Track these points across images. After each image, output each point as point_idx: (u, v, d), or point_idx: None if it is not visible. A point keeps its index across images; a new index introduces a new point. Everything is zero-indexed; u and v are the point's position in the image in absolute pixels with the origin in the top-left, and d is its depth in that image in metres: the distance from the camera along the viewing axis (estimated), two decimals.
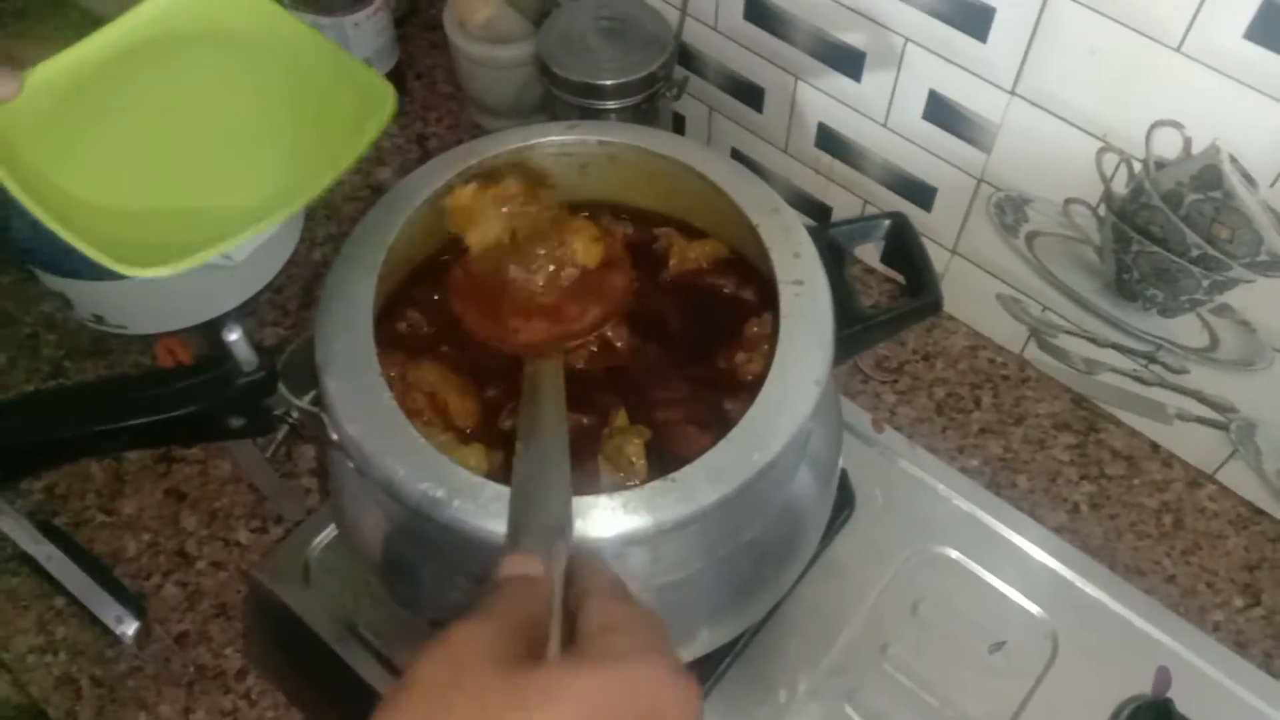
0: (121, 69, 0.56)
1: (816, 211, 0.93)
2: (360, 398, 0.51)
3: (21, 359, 0.90)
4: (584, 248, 0.62)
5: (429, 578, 0.58)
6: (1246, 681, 0.70)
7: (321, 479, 0.82)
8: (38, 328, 0.92)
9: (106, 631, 0.75)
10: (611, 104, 0.83)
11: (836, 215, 0.92)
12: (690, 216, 0.65)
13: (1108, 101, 0.67)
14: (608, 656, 0.37)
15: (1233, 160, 0.64)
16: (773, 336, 0.54)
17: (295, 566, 0.73)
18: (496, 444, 0.56)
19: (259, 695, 0.73)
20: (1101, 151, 0.70)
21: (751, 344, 0.58)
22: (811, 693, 0.69)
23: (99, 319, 0.87)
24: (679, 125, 0.98)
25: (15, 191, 0.50)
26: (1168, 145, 0.66)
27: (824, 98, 0.83)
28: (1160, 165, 0.67)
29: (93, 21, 0.58)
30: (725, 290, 0.63)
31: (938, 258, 0.86)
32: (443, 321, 0.62)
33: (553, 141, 0.63)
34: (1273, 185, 0.63)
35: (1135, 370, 0.80)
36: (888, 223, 0.64)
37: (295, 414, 0.56)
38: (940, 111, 0.77)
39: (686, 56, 0.91)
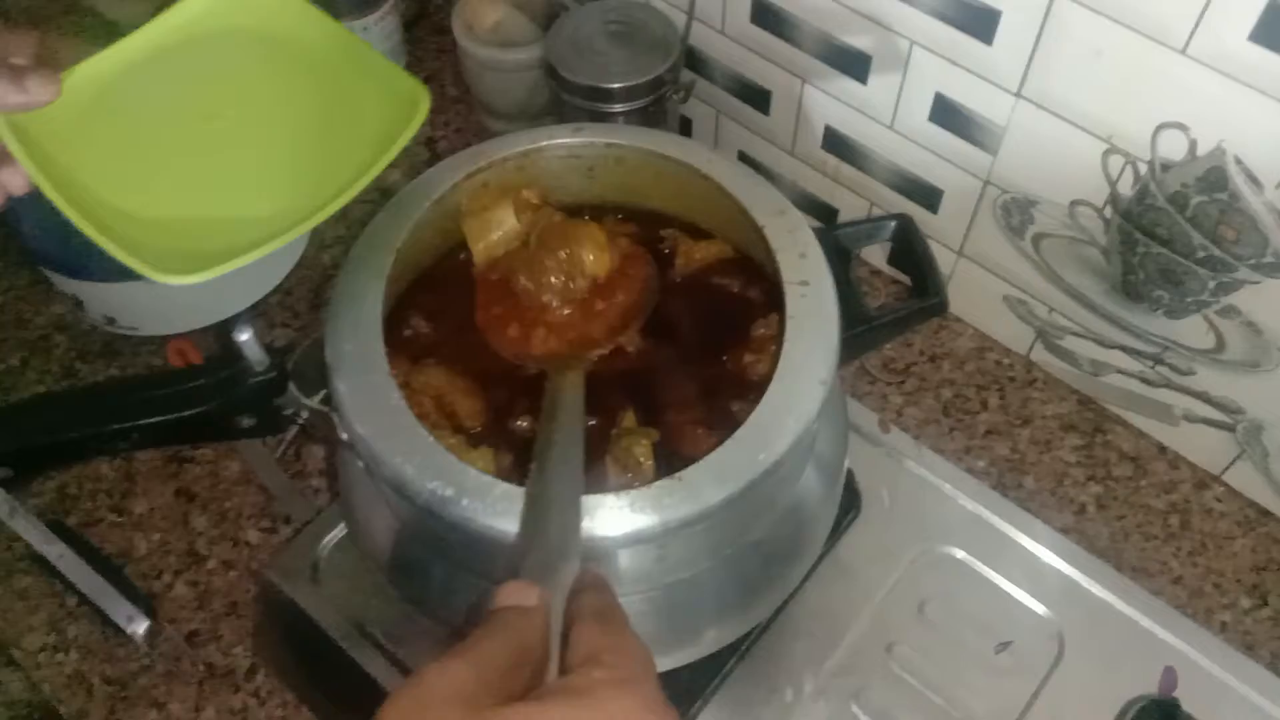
0: (153, 71, 0.55)
1: (823, 214, 0.94)
2: (370, 398, 0.52)
3: (33, 360, 0.91)
4: (593, 256, 0.62)
5: (438, 576, 0.58)
6: (1253, 681, 0.70)
7: (331, 479, 0.82)
8: (49, 329, 0.92)
9: (117, 630, 0.75)
10: (619, 107, 0.84)
11: (843, 218, 0.93)
12: (697, 218, 0.65)
13: (1113, 104, 0.67)
14: (581, 693, 0.37)
15: (1238, 162, 0.64)
16: (779, 337, 0.55)
17: (305, 565, 0.74)
18: (505, 446, 0.57)
19: (268, 694, 0.74)
20: (1107, 153, 0.70)
21: (758, 345, 0.59)
22: (818, 692, 0.70)
23: (110, 320, 0.88)
24: (686, 128, 0.99)
25: (50, 195, 0.49)
26: (1173, 147, 0.66)
27: (830, 100, 0.84)
28: (1166, 167, 0.68)
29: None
30: (732, 291, 0.63)
31: (944, 260, 0.86)
32: (448, 325, 0.62)
33: (560, 144, 0.63)
34: (1278, 187, 0.63)
35: (1142, 372, 0.80)
36: (893, 224, 0.64)
37: (305, 414, 0.57)
38: (946, 114, 0.77)
39: (693, 60, 0.91)
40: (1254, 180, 0.64)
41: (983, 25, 0.70)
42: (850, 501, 0.76)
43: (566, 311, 0.61)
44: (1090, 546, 0.77)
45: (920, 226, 0.64)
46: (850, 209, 0.91)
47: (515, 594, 0.40)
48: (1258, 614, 0.75)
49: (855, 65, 0.79)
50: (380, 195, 0.53)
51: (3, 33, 0.51)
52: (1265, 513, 0.80)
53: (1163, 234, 0.71)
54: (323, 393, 0.55)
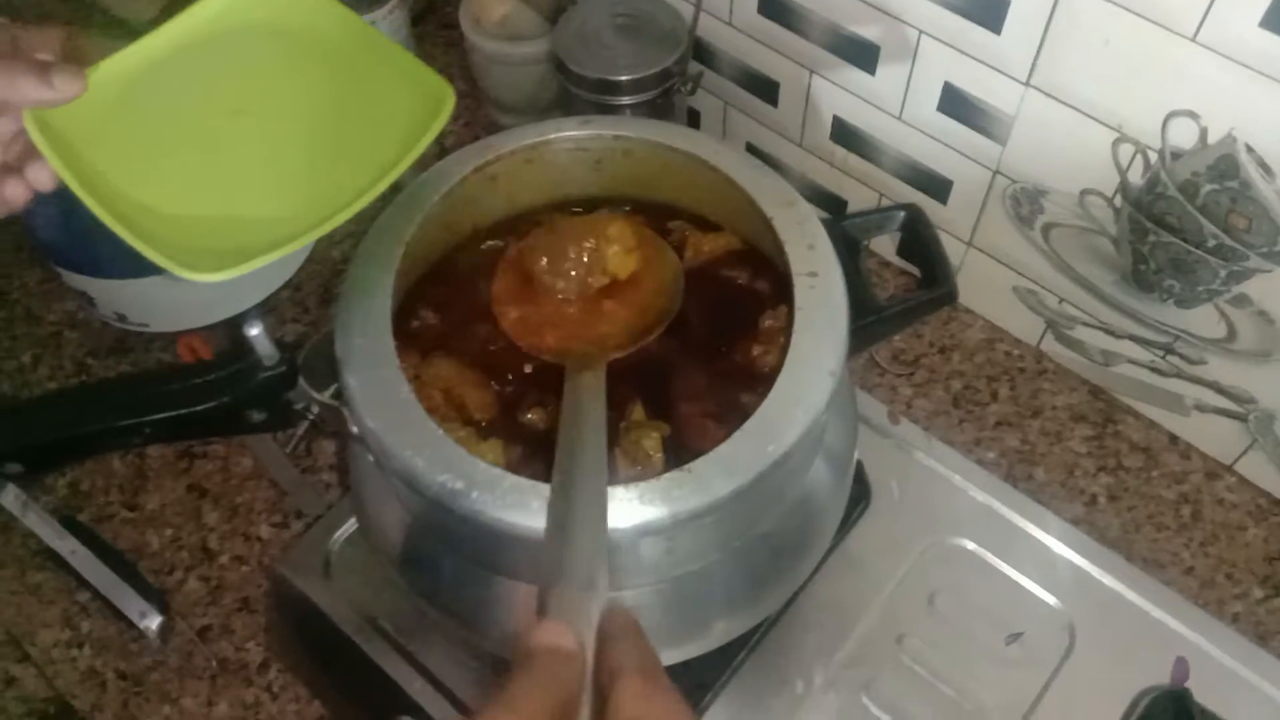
0: (178, 67, 0.55)
1: (831, 205, 0.93)
2: (380, 391, 0.52)
3: (45, 357, 0.91)
4: (618, 255, 0.61)
5: (448, 570, 0.58)
6: (1266, 672, 0.70)
7: (341, 473, 0.83)
8: (61, 326, 0.93)
9: (130, 626, 0.76)
10: (626, 100, 0.84)
11: (851, 209, 0.93)
12: (705, 210, 0.65)
13: (1123, 92, 0.67)
14: None
15: (1249, 150, 0.63)
16: (787, 329, 0.54)
17: (316, 560, 0.74)
18: (514, 438, 0.57)
19: (281, 688, 0.74)
20: (1117, 142, 0.70)
21: (767, 336, 0.59)
22: (828, 684, 0.70)
23: (121, 317, 0.88)
24: (694, 120, 0.99)
25: (77, 191, 0.49)
26: (1183, 135, 0.66)
27: (839, 91, 0.84)
28: (1176, 155, 0.67)
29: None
30: (740, 283, 0.63)
31: (954, 251, 0.86)
32: (457, 318, 0.62)
33: (568, 137, 0.63)
34: None
35: (1153, 361, 0.80)
36: (902, 214, 0.64)
37: (316, 408, 0.57)
38: (955, 104, 0.77)
39: (701, 52, 0.91)
40: (1265, 168, 0.64)
41: (992, 14, 0.69)
42: (860, 493, 0.76)
43: (577, 303, 0.61)
44: (1101, 537, 0.76)
45: (929, 217, 0.64)
46: (859, 200, 0.91)
47: (551, 635, 0.39)
48: (1270, 604, 0.75)
49: (863, 55, 0.79)
50: (389, 189, 0.53)
51: (29, 29, 0.51)
52: (1277, 502, 0.79)
53: (1173, 223, 0.70)
54: (333, 387, 0.55)
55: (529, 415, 0.58)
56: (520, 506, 0.48)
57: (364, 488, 0.62)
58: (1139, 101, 0.67)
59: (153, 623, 0.75)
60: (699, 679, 0.68)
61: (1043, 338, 0.87)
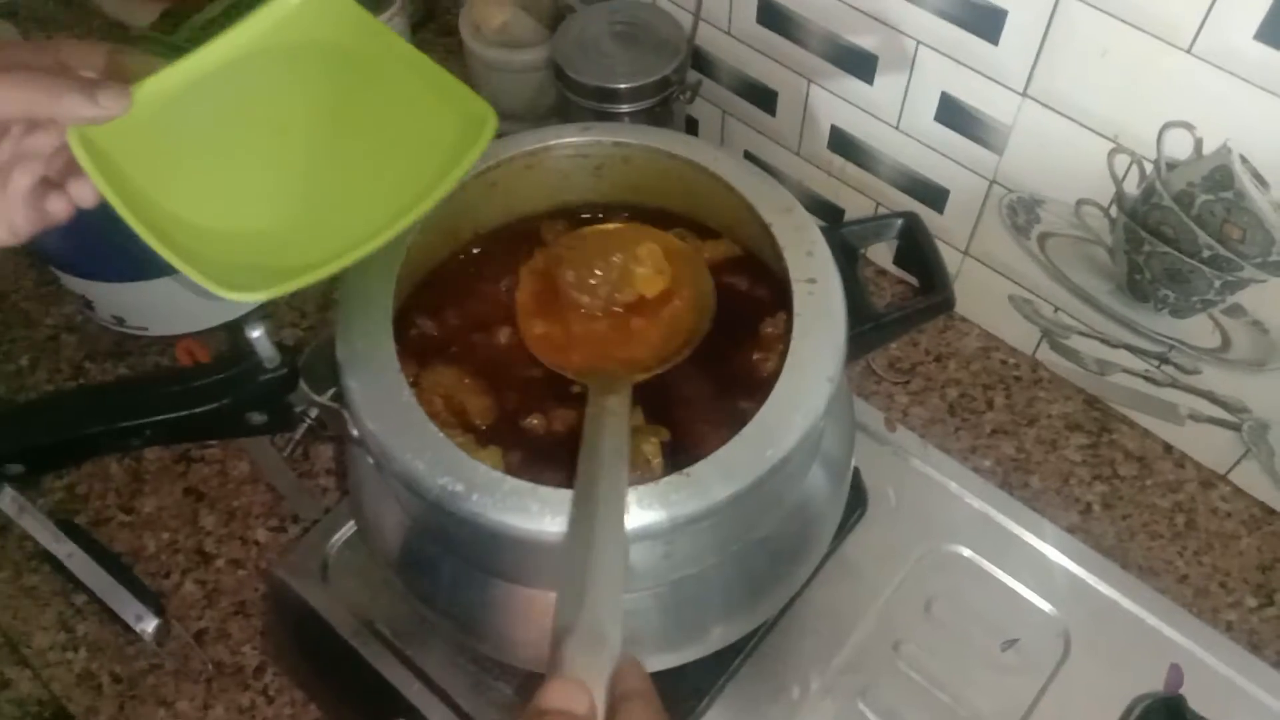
0: (221, 85, 0.54)
1: (829, 214, 0.94)
2: (381, 394, 0.52)
3: (43, 360, 0.91)
4: (646, 273, 0.60)
5: (446, 573, 0.59)
6: (1259, 679, 0.70)
7: (339, 478, 0.83)
8: (58, 329, 0.93)
9: (126, 629, 0.76)
10: (625, 107, 0.84)
11: (848, 218, 0.93)
12: (704, 217, 0.65)
13: (1119, 103, 0.68)
14: None
15: (1244, 161, 0.64)
16: (786, 335, 0.55)
17: (314, 563, 0.74)
18: (514, 444, 0.57)
19: (277, 692, 0.74)
20: (1113, 153, 0.70)
21: (766, 342, 0.59)
22: (824, 690, 0.70)
23: (119, 321, 0.88)
24: (692, 129, 0.99)
25: (121, 210, 0.49)
26: (1179, 146, 0.67)
27: (836, 100, 0.84)
28: (1171, 166, 0.68)
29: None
30: (739, 290, 0.63)
31: (950, 259, 0.86)
32: (456, 324, 0.62)
33: (568, 143, 0.64)
34: None
35: (1147, 371, 0.80)
36: (900, 222, 0.65)
37: (315, 411, 0.57)
38: (952, 114, 0.77)
39: (700, 60, 0.91)
40: (1259, 179, 0.64)
41: (989, 25, 0.70)
42: (857, 500, 0.76)
43: (605, 320, 0.60)
44: (1096, 545, 0.77)
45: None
46: (856, 209, 0.92)
47: (564, 697, 0.38)
48: (1263, 613, 0.75)
49: (861, 65, 0.80)
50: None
51: (72, 45, 0.51)
52: (1271, 512, 0.80)
53: (1168, 233, 0.71)
54: (332, 390, 0.55)
55: (529, 421, 0.58)
56: (520, 509, 0.49)
57: (363, 491, 0.62)
58: (1135, 112, 0.67)
59: (149, 626, 0.75)
60: (695, 684, 0.68)
61: (1038, 347, 0.87)
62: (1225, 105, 0.63)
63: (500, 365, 0.61)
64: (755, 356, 0.59)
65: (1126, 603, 0.73)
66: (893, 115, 0.81)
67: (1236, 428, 0.78)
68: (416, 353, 0.60)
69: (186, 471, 0.84)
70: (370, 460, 0.56)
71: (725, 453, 0.50)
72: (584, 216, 0.67)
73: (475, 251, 0.65)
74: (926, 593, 0.74)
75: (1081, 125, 0.70)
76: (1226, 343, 0.74)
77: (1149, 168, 0.69)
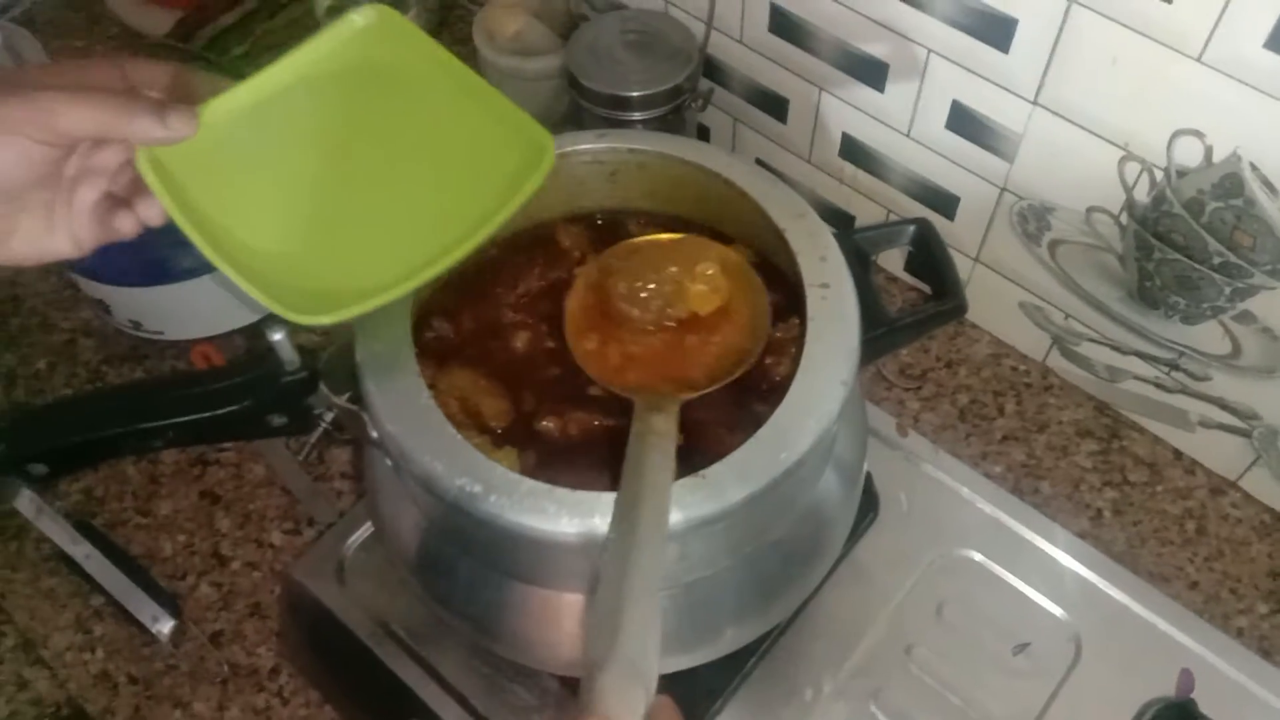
0: (284, 107, 0.54)
1: (840, 221, 0.94)
2: (399, 397, 0.53)
3: (60, 364, 0.92)
4: (701, 291, 0.59)
5: (463, 574, 0.59)
6: (1270, 685, 0.70)
7: (354, 481, 0.83)
8: (75, 333, 0.94)
9: (143, 630, 0.77)
10: (638, 115, 0.85)
11: (859, 225, 0.93)
12: (718, 222, 0.66)
13: (1129, 111, 0.68)
14: None
15: (1253, 168, 0.64)
16: (800, 339, 0.55)
17: (330, 565, 0.75)
18: (530, 446, 0.58)
19: (292, 693, 0.75)
20: (1123, 160, 0.71)
21: (779, 346, 0.59)
22: (837, 693, 0.70)
23: (136, 325, 0.89)
24: (704, 136, 1.00)
25: (188, 231, 0.49)
26: (1189, 154, 0.67)
27: (847, 108, 0.85)
28: (1182, 173, 0.68)
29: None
30: None
31: (961, 266, 0.86)
32: (473, 328, 0.63)
33: (583, 149, 0.64)
34: None
35: (1158, 377, 0.81)
36: (913, 228, 0.65)
37: (334, 413, 0.58)
38: (963, 122, 0.78)
39: (711, 68, 0.92)
40: (1269, 186, 0.64)
41: (1000, 33, 0.70)
42: (869, 504, 0.77)
43: (658, 335, 0.59)
44: (1107, 551, 0.77)
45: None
46: (867, 216, 0.92)
47: None
48: (1275, 619, 0.75)
49: (872, 73, 0.80)
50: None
51: (138, 64, 0.51)
52: None
53: (1179, 240, 0.71)
54: (350, 393, 0.56)
55: (544, 423, 0.58)
56: (537, 510, 0.49)
57: (380, 493, 0.63)
58: (1145, 120, 0.68)
59: (165, 627, 0.76)
60: (708, 686, 0.68)
61: (1049, 353, 0.87)
62: (1235, 113, 0.63)
63: (516, 368, 0.61)
64: (769, 360, 0.59)
65: (1137, 608, 0.73)
66: (904, 123, 0.82)
67: (1247, 434, 0.78)
68: (433, 355, 0.60)
69: (202, 474, 0.85)
70: (388, 462, 0.56)
71: (740, 455, 0.51)
72: (599, 222, 0.68)
73: (492, 255, 0.65)
74: (938, 597, 0.74)
75: (1092, 133, 0.71)
76: (1237, 349, 0.74)
77: (1159, 175, 0.69)
